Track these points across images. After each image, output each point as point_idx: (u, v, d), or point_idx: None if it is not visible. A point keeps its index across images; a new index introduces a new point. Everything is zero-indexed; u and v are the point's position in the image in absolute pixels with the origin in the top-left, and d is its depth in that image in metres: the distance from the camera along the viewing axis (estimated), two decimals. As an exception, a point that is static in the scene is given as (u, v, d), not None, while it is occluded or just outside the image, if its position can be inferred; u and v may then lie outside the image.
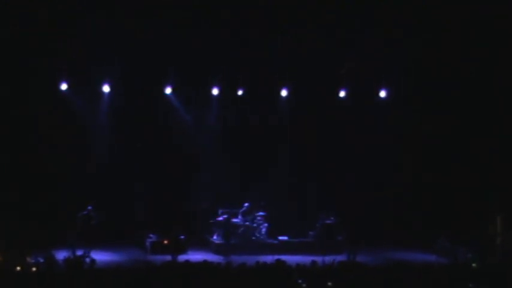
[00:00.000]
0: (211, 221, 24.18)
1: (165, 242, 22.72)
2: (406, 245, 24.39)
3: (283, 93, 25.07)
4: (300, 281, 16.03)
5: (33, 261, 17.75)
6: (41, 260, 17.71)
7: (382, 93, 25.26)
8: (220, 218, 23.90)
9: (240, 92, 24.82)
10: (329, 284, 15.89)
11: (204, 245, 24.09)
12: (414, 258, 22.47)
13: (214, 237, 23.89)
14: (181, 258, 19.99)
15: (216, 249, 23.20)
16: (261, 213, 23.96)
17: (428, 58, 24.02)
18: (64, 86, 23.62)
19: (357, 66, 23.99)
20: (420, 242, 24.16)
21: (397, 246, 24.41)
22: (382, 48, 23.56)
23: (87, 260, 18.60)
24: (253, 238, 23.47)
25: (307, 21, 23.00)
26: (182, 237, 23.01)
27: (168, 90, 24.48)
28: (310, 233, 24.24)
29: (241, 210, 24.05)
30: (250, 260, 18.39)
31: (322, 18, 22.95)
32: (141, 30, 22.71)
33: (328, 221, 24.05)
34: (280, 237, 23.86)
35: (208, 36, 23.12)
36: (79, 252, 20.02)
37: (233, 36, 23.05)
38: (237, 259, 19.20)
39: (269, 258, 19.00)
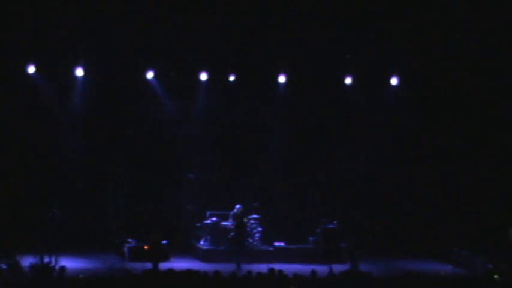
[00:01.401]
0: (198, 225, 24.23)
1: (145, 247, 22.68)
2: (417, 253, 24.59)
3: (281, 79, 25.12)
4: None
5: (-4, 267, 17.82)
6: (5, 267, 17.71)
7: (393, 80, 25.35)
8: (208, 221, 23.95)
9: (231, 78, 24.88)
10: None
11: (189, 251, 24.17)
12: (426, 268, 22.61)
13: (202, 242, 23.94)
14: (164, 266, 20.01)
15: (204, 256, 23.26)
16: (254, 216, 24.03)
17: (447, 40, 24.22)
18: (31, 69, 23.62)
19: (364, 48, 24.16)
20: (433, 250, 24.36)
21: (407, 254, 24.63)
22: (393, 28, 23.79)
23: (56, 267, 18.63)
24: (246, 244, 23.54)
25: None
26: (165, 242, 22.99)
27: (150, 75, 24.51)
28: (310, 238, 24.29)
29: (231, 213, 24.07)
30: (242, 268, 18.72)
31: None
32: (120, 5, 22.78)
33: (331, 226, 24.12)
34: (276, 243, 23.89)
35: (196, 13, 23.20)
36: (47, 259, 20.07)
37: (224, 14, 23.14)
38: (226, 268, 19.23)
39: (263, 267, 19.06)
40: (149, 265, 20.25)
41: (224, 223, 23.91)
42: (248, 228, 23.52)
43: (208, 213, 24.28)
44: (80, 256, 22.75)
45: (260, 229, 24.02)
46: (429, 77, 25.12)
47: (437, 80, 25.13)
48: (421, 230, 25.43)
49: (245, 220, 22.82)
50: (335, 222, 24.17)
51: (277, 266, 18.04)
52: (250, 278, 17.06)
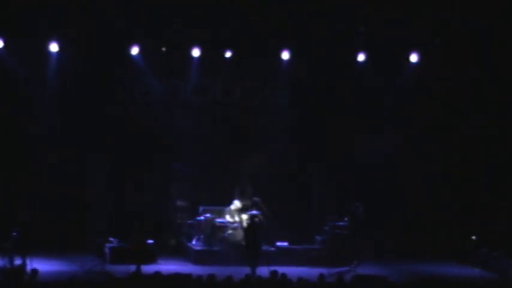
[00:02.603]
0: (189, 222, 24.27)
1: (129, 247, 22.74)
2: (438, 255, 24.61)
3: (285, 56, 25.05)
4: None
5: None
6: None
7: (413, 57, 25.25)
8: (201, 218, 23.92)
9: (227, 54, 24.80)
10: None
11: (179, 252, 24.20)
12: (449, 272, 22.65)
13: (193, 242, 23.95)
14: (150, 269, 19.97)
15: (196, 258, 23.24)
16: (253, 212, 23.97)
17: (475, 10, 24.12)
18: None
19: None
20: (457, 251, 24.40)
21: (426, 256, 24.64)
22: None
23: (28, 270, 18.58)
24: (244, 244, 23.51)
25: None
26: (151, 241, 23.02)
27: (135, 51, 24.44)
28: (318, 238, 24.30)
29: (227, 208, 24.08)
30: (240, 272, 18.48)
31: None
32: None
33: (341, 223, 24.08)
34: (279, 243, 23.90)
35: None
36: (18, 261, 20.05)
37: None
38: (222, 271, 19.21)
39: (264, 271, 19.11)
40: (133, 268, 19.98)
41: (219, 220, 23.86)
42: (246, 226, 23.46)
43: (201, 208, 24.27)
44: (54, 258, 22.72)
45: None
46: (454, 53, 25.05)
47: (463, 57, 25.08)
48: (443, 227, 25.40)
49: (256, 219, 22.67)
50: (346, 219, 24.07)
51: (279, 269, 17.97)
52: (249, 283, 17.03)
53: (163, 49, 24.54)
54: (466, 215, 25.38)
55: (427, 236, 25.30)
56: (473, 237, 24.48)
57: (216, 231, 23.64)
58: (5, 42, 23.60)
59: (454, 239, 24.86)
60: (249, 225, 22.69)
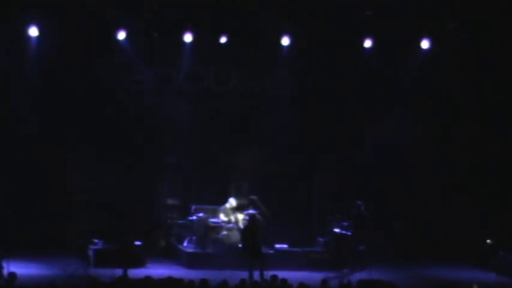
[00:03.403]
0: (181, 222, 24.33)
1: (115, 249, 22.73)
2: (450, 258, 24.66)
3: (284, 41, 25.04)
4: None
5: None
6: None
7: (425, 43, 25.21)
8: (194, 218, 23.93)
9: (223, 40, 24.79)
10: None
11: (170, 254, 24.24)
12: (463, 276, 22.70)
13: (185, 244, 23.97)
14: (138, 272, 20.01)
15: (188, 261, 23.24)
16: (250, 211, 23.94)
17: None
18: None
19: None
20: (472, 254, 24.40)
21: (438, 259, 24.64)
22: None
23: (5, 273, 18.62)
24: (240, 246, 23.55)
25: None
26: (138, 243, 23.03)
27: (122, 36, 24.41)
28: (320, 239, 24.34)
29: (222, 207, 24.08)
30: (235, 276, 18.48)
31: None
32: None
33: (345, 223, 24.02)
34: (278, 246, 23.93)
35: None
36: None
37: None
38: (215, 275, 19.22)
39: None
40: (119, 272, 20.08)
41: (213, 220, 23.86)
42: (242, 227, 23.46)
43: (193, 207, 24.28)
44: (33, 260, 22.73)
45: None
46: (468, 39, 25.06)
47: (478, 43, 25.09)
48: (456, 228, 25.43)
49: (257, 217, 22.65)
50: (349, 219, 23.99)
51: (279, 274, 18.01)
52: (245, 288, 17.01)
53: (155, 34, 24.47)
54: (483, 216, 25.43)
55: (440, 237, 25.38)
56: (489, 241, 24.43)
57: (209, 232, 23.62)
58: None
59: (471, 241, 24.90)
60: (250, 223, 22.61)
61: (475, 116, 25.83)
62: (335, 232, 23.96)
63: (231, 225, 23.84)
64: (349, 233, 23.60)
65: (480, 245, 24.41)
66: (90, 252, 23.15)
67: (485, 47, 24.97)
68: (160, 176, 25.43)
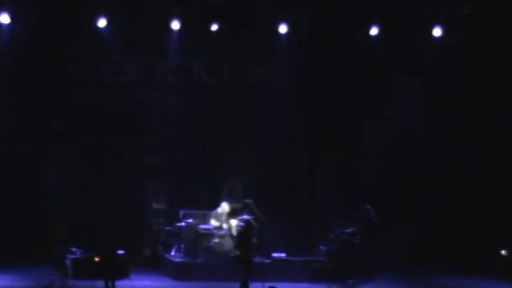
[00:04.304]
0: (168, 229, 24.40)
1: (96, 259, 22.48)
2: (467, 268, 24.72)
3: (282, 29, 25.06)
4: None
5: None
6: None
7: (437, 31, 25.23)
8: (182, 224, 23.91)
9: (214, 27, 24.81)
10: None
11: (156, 264, 24.31)
12: (477, 286, 22.86)
13: (173, 252, 23.98)
14: (121, 284, 20.17)
15: (175, 272, 23.18)
16: (244, 216, 23.88)
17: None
18: None
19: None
20: (490, 263, 24.56)
21: (454, 269, 24.74)
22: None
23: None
24: (233, 255, 23.48)
25: None
26: (121, 252, 22.90)
27: (102, 24, 24.38)
28: (322, 247, 24.30)
29: (213, 212, 24.00)
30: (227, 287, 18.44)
31: None
32: None
33: (349, 230, 24.00)
34: (275, 254, 23.87)
35: None
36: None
37: None
38: (206, 287, 19.19)
39: (257, 287, 19.10)
40: (101, 284, 20.20)
41: (203, 226, 23.83)
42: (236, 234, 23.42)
43: (181, 212, 24.24)
44: (6, 271, 22.80)
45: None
46: (483, 27, 25.17)
47: (493, 31, 25.23)
48: (473, 236, 25.49)
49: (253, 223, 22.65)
50: (356, 226, 24.00)
51: (277, 285, 18.15)
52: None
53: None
54: (502, 222, 25.56)
55: (456, 245, 25.46)
56: (503, 252, 24.84)
57: (199, 239, 23.58)
58: None
59: (489, 250, 25.05)
60: (244, 230, 22.58)
61: (486, 120, 25.99)
62: (340, 239, 23.91)
63: (223, 231, 23.78)
64: (356, 240, 23.60)
65: (497, 255, 24.75)
66: (68, 262, 23.04)
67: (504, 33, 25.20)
68: (145, 178, 25.36)
